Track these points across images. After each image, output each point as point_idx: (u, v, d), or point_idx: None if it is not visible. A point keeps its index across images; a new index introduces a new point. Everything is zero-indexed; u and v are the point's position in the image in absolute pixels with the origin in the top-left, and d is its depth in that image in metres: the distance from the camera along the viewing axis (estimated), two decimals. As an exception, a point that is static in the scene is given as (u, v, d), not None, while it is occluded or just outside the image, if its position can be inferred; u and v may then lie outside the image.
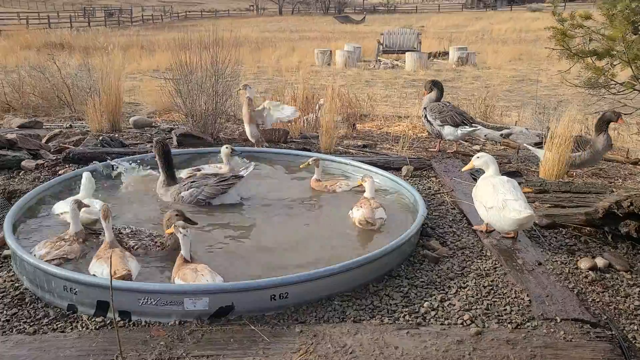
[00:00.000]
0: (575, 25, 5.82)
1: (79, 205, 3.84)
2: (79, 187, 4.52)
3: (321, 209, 4.72)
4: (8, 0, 65.08)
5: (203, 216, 4.39)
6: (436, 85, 6.71)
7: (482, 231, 4.23)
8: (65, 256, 3.61)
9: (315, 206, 4.77)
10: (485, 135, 7.66)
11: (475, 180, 4.71)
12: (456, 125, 6.34)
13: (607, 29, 5.56)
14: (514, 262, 3.74)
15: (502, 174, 4.30)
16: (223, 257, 3.75)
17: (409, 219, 4.36)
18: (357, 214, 4.24)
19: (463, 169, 4.72)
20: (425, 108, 6.65)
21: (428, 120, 6.56)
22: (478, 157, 4.27)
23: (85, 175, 4.48)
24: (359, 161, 5.64)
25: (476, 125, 6.49)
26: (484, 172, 4.26)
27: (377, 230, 4.18)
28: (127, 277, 3.26)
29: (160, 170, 4.82)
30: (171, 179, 4.78)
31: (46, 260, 3.47)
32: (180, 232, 3.35)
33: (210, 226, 4.26)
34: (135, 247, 3.69)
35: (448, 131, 6.41)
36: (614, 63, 5.66)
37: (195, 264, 3.31)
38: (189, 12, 61.77)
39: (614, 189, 5.01)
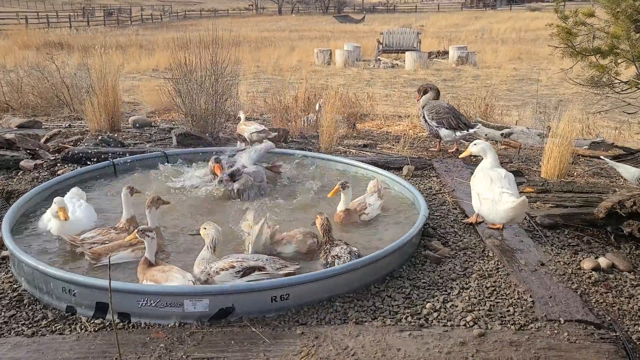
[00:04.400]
0: (578, 22, 5.78)
1: (131, 190, 3.89)
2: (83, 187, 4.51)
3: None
4: (7, -1, 65.02)
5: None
6: (431, 88, 6.70)
7: (471, 223, 4.31)
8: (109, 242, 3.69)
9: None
10: (485, 135, 7.63)
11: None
12: (452, 129, 6.33)
13: (611, 27, 5.53)
14: (516, 263, 3.71)
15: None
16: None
17: (410, 219, 4.34)
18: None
19: (460, 156, 4.75)
20: (423, 107, 6.62)
21: (426, 121, 6.55)
22: (475, 144, 4.36)
23: (56, 200, 4.04)
24: (360, 161, 5.61)
25: (473, 128, 6.41)
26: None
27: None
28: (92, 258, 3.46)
29: None
30: None
31: (90, 243, 3.63)
32: (148, 236, 3.29)
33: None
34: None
35: (445, 133, 6.42)
36: (618, 61, 5.62)
37: (161, 266, 3.28)
38: (188, 11, 61.72)
39: (617, 189, 4.98)
